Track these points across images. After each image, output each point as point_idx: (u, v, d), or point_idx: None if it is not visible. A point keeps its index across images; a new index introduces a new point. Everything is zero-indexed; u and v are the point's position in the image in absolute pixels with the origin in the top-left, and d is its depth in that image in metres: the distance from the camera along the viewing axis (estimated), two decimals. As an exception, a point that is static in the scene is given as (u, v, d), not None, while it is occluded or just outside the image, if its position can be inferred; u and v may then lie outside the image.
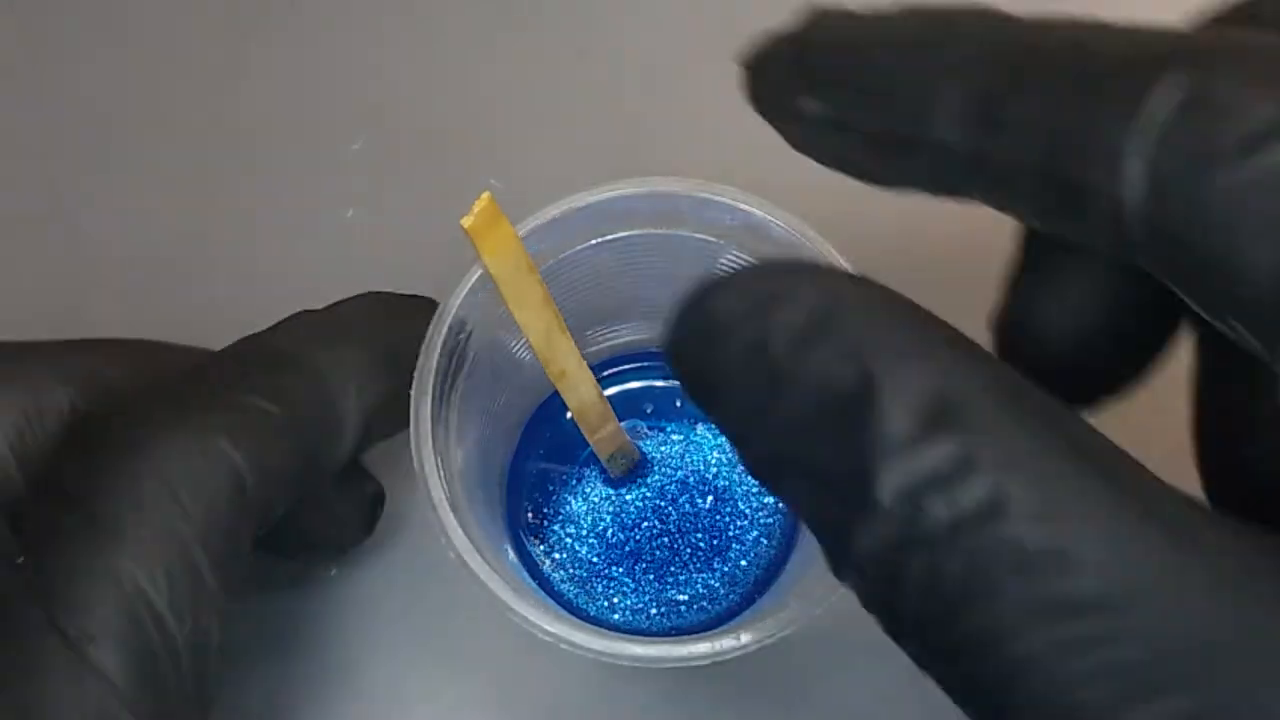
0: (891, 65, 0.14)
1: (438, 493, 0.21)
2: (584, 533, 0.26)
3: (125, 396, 0.21)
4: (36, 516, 0.19)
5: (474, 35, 0.35)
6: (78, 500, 0.19)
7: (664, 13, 0.34)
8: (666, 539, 0.26)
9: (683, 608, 0.26)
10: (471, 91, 0.34)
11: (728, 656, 0.20)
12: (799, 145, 0.16)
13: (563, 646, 0.20)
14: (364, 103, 0.34)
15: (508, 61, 0.34)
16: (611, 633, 0.21)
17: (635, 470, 0.27)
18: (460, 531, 0.20)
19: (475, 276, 0.22)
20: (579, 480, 0.27)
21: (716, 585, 0.26)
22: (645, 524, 0.26)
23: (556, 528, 0.27)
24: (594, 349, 0.27)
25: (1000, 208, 0.14)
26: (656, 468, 0.27)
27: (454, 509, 0.21)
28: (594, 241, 0.24)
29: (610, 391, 0.27)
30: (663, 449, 0.27)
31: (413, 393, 0.22)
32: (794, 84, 0.16)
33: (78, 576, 0.18)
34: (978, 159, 0.14)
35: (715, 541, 0.26)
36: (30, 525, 0.19)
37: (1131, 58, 0.13)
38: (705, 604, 0.26)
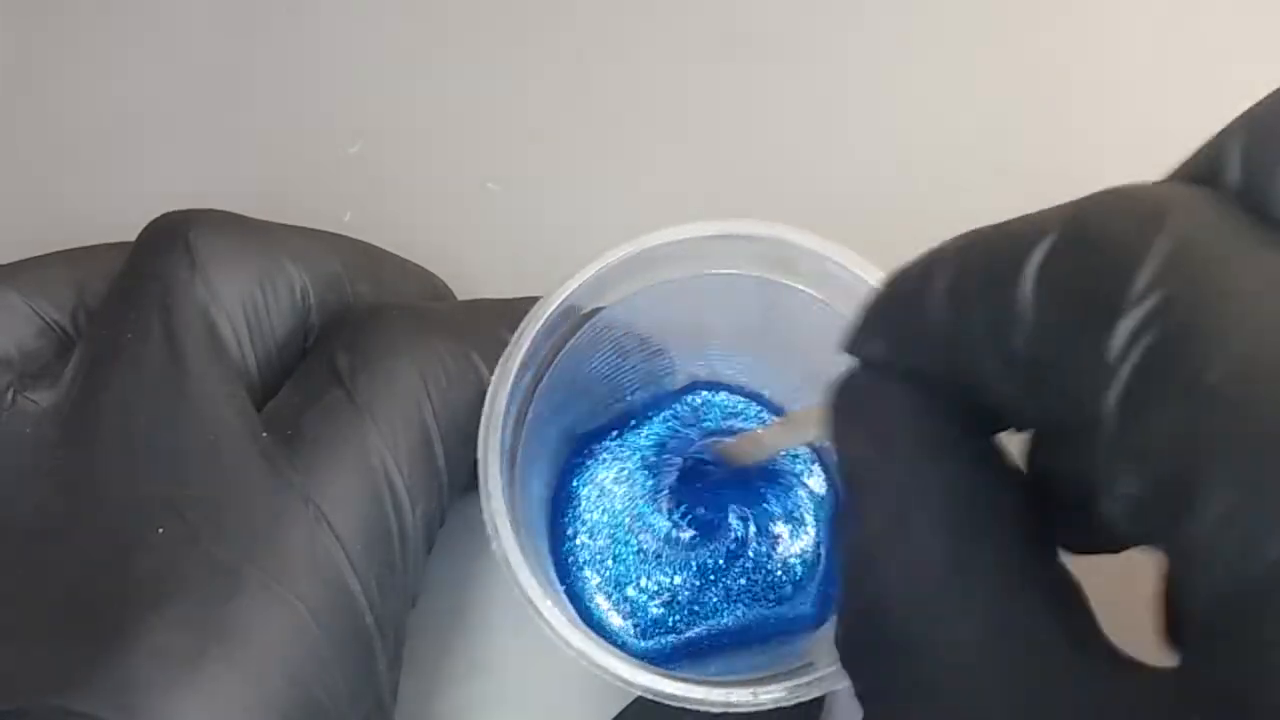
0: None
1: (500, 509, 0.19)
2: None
3: (397, 299, 0.24)
4: (304, 388, 0.22)
5: (473, 37, 0.34)
6: (342, 379, 0.21)
7: (659, 13, 0.34)
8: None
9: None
10: (469, 94, 0.33)
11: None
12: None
13: (612, 682, 0.19)
14: (362, 105, 0.33)
15: (507, 63, 0.34)
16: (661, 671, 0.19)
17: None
18: (518, 552, 0.19)
19: (551, 309, 0.22)
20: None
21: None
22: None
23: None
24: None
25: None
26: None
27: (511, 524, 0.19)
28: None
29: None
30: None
31: (490, 388, 0.21)
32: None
33: (329, 445, 0.20)
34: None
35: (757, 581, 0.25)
36: (298, 393, 0.21)
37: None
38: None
